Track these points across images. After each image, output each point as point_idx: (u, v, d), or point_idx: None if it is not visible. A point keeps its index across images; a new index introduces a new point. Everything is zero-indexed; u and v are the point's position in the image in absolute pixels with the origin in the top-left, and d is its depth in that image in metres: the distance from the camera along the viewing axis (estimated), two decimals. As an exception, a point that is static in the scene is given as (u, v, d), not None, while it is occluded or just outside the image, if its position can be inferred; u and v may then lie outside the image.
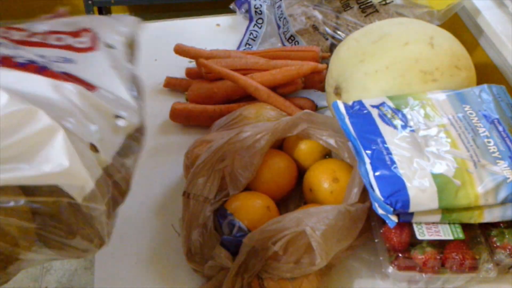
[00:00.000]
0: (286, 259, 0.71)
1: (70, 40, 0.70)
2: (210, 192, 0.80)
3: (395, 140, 0.75)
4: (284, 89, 1.01)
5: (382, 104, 0.81)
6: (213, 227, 0.79)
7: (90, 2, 2.03)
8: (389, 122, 0.77)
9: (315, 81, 1.03)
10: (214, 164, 0.81)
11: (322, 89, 1.01)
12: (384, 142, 0.75)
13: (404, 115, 0.79)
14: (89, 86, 0.62)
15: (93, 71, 0.66)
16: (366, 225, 0.77)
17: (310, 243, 0.71)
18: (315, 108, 1.03)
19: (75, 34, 0.72)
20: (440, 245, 0.72)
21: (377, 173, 0.72)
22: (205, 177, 0.81)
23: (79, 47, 0.70)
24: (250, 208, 0.79)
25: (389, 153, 0.73)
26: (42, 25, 0.72)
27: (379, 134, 0.76)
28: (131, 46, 0.78)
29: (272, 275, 0.72)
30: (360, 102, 0.81)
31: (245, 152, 0.81)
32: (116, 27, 0.77)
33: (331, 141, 0.81)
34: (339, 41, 1.07)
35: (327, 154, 0.87)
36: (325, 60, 1.06)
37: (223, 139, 0.82)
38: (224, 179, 0.82)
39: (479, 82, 0.91)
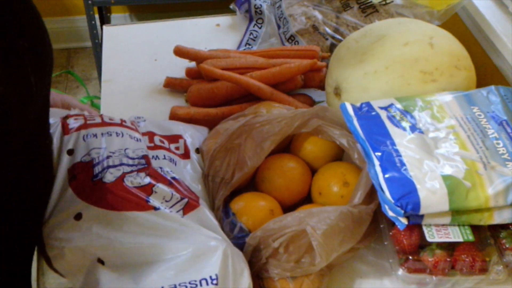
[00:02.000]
0: (287, 258, 0.69)
1: (168, 144, 0.81)
2: (227, 172, 0.78)
3: (404, 142, 0.72)
4: (284, 87, 0.98)
5: (391, 105, 0.78)
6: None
7: (90, 2, 1.99)
8: (398, 124, 0.75)
9: (315, 80, 1.00)
10: (231, 145, 0.80)
11: (322, 89, 0.99)
12: (393, 144, 0.72)
13: (412, 117, 0.76)
14: (196, 199, 0.72)
15: (189, 182, 0.77)
16: (372, 227, 0.74)
17: (311, 243, 0.68)
18: (313, 103, 1.01)
19: (172, 139, 0.83)
20: (449, 247, 0.70)
21: (387, 175, 0.69)
22: (222, 159, 0.79)
23: (177, 153, 0.81)
24: (253, 210, 0.76)
25: (399, 155, 0.71)
26: (141, 124, 0.84)
27: (388, 136, 0.73)
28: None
29: (272, 275, 0.69)
30: (368, 104, 0.79)
31: (258, 136, 0.79)
32: (197, 134, 0.88)
33: (343, 141, 0.78)
34: (339, 41, 1.05)
35: (337, 158, 0.85)
36: (325, 60, 1.03)
37: (240, 122, 0.80)
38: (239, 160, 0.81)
39: (479, 82, 0.90)
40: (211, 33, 1.20)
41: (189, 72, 1.04)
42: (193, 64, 1.07)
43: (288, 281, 0.69)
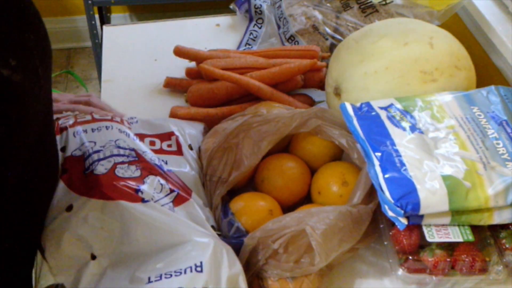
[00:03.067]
0: (286, 258, 0.69)
1: (160, 143, 0.81)
2: (224, 171, 0.78)
3: (404, 142, 0.72)
4: (284, 87, 0.98)
5: (390, 105, 0.78)
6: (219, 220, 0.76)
7: (90, 2, 1.99)
8: (397, 124, 0.75)
9: (315, 80, 1.00)
10: (229, 145, 0.80)
11: (322, 89, 0.99)
12: (393, 144, 0.72)
13: (412, 117, 0.76)
14: (187, 192, 0.72)
15: (183, 177, 0.76)
16: (372, 228, 0.74)
17: (310, 243, 0.68)
18: (313, 103, 1.01)
19: (164, 136, 0.83)
20: (449, 247, 0.69)
21: (386, 175, 0.69)
22: (219, 158, 0.79)
23: (169, 150, 0.81)
24: (252, 210, 0.76)
25: (399, 155, 0.70)
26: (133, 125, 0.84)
27: (388, 136, 0.73)
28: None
29: (272, 275, 0.69)
30: (368, 104, 0.78)
31: (255, 135, 0.78)
32: (190, 130, 0.88)
33: (343, 141, 0.78)
34: (339, 41, 1.05)
35: (337, 158, 0.84)
36: (325, 60, 1.03)
37: (238, 122, 0.80)
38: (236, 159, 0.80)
39: (479, 82, 0.89)
40: (211, 33, 1.20)
41: (189, 72, 1.04)
42: (193, 64, 1.06)
43: (288, 281, 0.69)
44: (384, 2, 1.06)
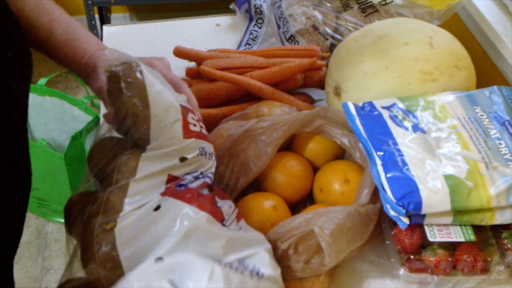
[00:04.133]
0: (297, 259, 0.68)
1: None
2: (231, 178, 0.77)
3: (406, 142, 0.71)
4: (284, 86, 0.97)
5: (393, 105, 0.77)
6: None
7: (90, 2, 1.98)
8: (400, 124, 0.74)
9: (314, 79, 0.99)
10: (234, 151, 0.79)
11: (322, 88, 0.98)
12: (395, 143, 0.71)
13: (415, 117, 0.76)
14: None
15: None
16: (375, 227, 0.73)
17: (320, 243, 0.67)
18: (312, 101, 1.00)
19: None
20: (451, 247, 0.69)
21: (389, 175, 0.68)
22: (225, 164, 0.78)
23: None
24: (256, 210, 0.76)
25: (401, 155, 0.70)
26: None
27: (390, 136, 0.72)
28: None
29: (283, 275, 0.67)
30: (370, 103, 0.78)
31: (261, 141, 0.78)
32: None
33: (345, 140, 0.78)
34: (339, 41, 1.04)
35: (339, 157, 0.84)
36: (325, 60, 1.03)
37: (242, 128, 0.79)
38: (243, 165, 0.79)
39: (479, 82, 0.89)
40: (211, 33, 1.19)
41: (189, 72, 1.03)
42: (193, 64, 1.05)
43: (299, 282, 0.68)
44: (384, 2, 1.06)
